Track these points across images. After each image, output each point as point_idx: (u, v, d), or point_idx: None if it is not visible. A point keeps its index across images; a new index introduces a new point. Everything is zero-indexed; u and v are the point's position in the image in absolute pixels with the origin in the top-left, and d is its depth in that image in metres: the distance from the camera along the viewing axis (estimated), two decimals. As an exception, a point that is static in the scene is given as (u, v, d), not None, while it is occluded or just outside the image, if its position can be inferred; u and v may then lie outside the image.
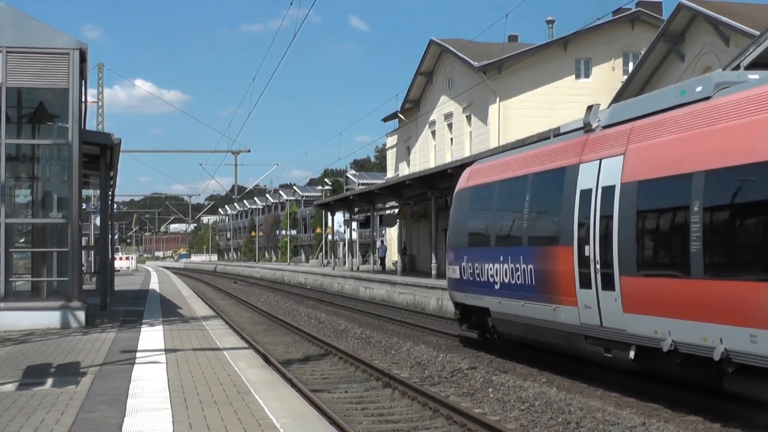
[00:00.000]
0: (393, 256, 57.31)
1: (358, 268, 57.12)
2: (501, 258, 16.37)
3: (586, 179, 13.52)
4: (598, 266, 12.88)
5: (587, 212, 13.30)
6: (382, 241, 64.70)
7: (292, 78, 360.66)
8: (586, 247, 13.20)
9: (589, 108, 14.25)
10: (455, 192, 19.87)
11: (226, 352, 14.33)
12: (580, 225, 13.50)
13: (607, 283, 12.61)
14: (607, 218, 12.75)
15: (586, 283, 13.20)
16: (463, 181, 19.49)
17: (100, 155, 22.72)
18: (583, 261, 13.28)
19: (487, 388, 13.70)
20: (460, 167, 32.14)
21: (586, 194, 13.44)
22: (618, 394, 12.91)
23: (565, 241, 13.92)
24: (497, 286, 16.55)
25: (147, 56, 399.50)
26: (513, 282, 15.82)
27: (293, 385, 13.18)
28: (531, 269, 15.15)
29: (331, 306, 34.69)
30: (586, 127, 14.20)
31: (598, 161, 13.27)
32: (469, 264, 18.08)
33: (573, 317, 13.68)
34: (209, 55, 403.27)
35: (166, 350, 14.44)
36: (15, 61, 18.46)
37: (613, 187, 12.70)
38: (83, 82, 19.50)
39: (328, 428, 8.58)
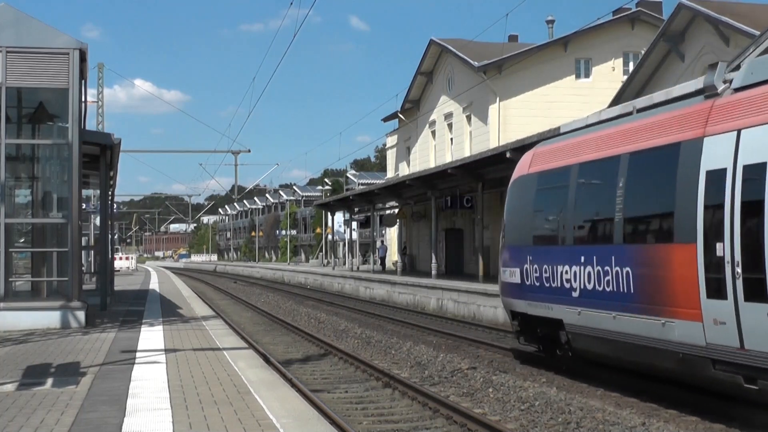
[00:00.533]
0: (393, 256, 57.32)
1: (358, 268, 57.12)
2: (582, 259, 13.41)
3: (715, 156, 10.72)
4: (738, 269, 10.09)
5: (719, 199, 10.51)
6: (382, 241, 64.71)
7: (292, 78, 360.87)
8: (718, 245, 10.44)
9: (712, 66, 11.57)
10: (512, 180, 16.78)
11: (226, 352, 14.33)
12: (706, 216, 10.69)
13: (754, 292, 9.85)
14: (753, 206, 10.03)
15: (716, 291, 10.44)
16: (524, 167, 16.31)
17: (100, 155, 22.72)
18: (713, 262, 10.50)
19: (487, 388, 13.70)
20: (460, 167, 32.23)
21: (716, 176, 10.65)
22: (618, 394, 12.90)
23: (683, 237, 11.07)
24: (575, 294, 13.60)
25: (147, 56, 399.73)
26: (599, 289, 12.91)
27: (293, 385, 13.18)
28: (627, 273, 12.23)
29: (331, 306, 34.69)
30: (709, 91, 11.47)
31: (734, 133, 10.50)
32: (535, 266, 15.01)
33: (695, 335, 10.86)
34: (209, 55, 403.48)
35: (166, 350, 14.44)
36: (15, 61, 18.46)
37: (763, 165, 9.96)
38: (83, 82, 19.50)
39: (328, 428, 8.58)
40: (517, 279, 15.79)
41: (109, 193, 26.83)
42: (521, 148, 25.76)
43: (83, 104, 19.53)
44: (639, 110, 14.30)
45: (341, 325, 25.24)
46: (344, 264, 65.34)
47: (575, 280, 13.62)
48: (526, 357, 16.82)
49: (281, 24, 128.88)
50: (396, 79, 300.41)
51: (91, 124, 71.39)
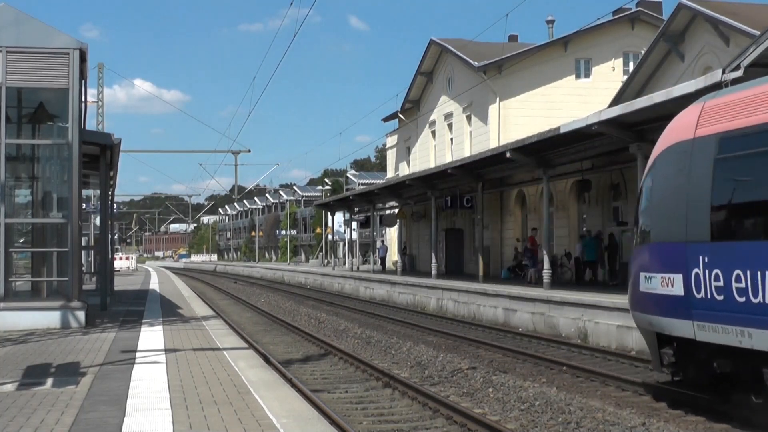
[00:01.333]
0: (393, 256, 57.32)
1: (358, 268, 57.12)
2: None
3: None
4: None
5: None
6: (382, 241, 64.71)
7: (292, 78, 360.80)
8: None
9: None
10: (662, 150, 12.06)
11: (226, 352, 14.33)
12: None
13: None
14: None
15: None
16: (686, 129, 11.60)
17: (100, 155, 22.72)
18: None
19: (487, 388, 13.70)
20: (460, 167, 32.20)
21: None
22: (618, 394, 12.90)
23: None
24: None
25: (147, 56, 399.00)
26: None
27: (293, 385, 13.19)
28: None
29: (331, 306, 34.69)
30: None
31: None
32: (716, 271, 10.45)
33: None
34: (209, 55, 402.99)
35: (166, 350, 14.44)
36: (15, 61, 18.46)
37: None
38: (83, 82, 19.50)
39: (328, 428, 8.58)
40: (675, 289, 11.24)
41: (109, 193, 26.84)
42: (521, 148, 25.79)
43: (83, 104, 19.54)
44: None
45: (341, 325, 25.24)
46: (344, 264, 65.34)
47: None
48: (525, 356, 16.73)
49: (281, 24, 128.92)
50: (396, 79, 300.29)
51: (91, 124, 71.53)
